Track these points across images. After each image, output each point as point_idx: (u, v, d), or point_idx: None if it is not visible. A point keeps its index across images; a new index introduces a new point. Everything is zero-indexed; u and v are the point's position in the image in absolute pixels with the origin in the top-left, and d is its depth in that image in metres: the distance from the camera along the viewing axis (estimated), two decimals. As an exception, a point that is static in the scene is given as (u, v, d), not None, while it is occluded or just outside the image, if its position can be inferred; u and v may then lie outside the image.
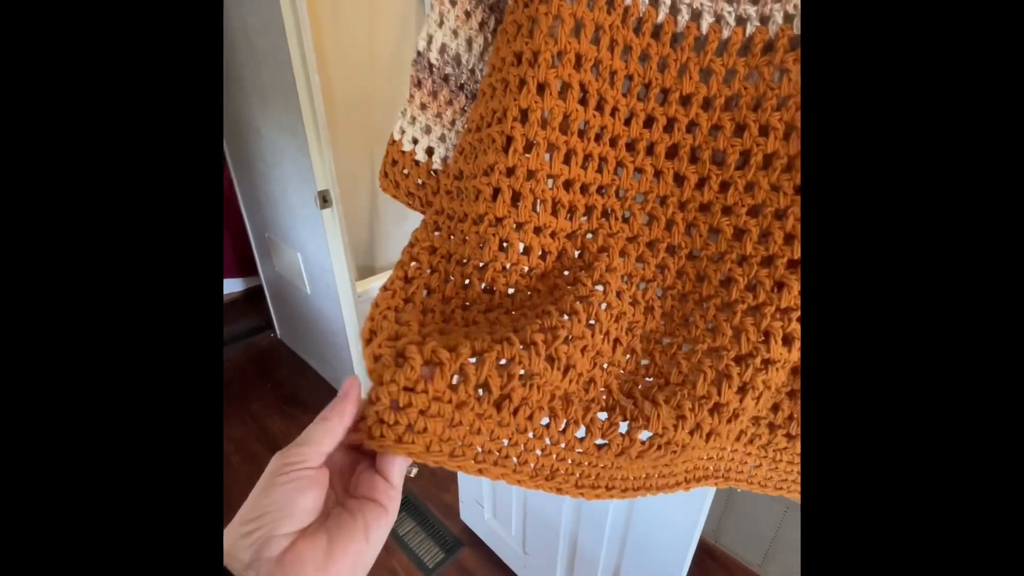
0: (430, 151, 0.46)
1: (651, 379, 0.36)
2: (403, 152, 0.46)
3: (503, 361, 0.30)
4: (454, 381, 0.29)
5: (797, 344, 0.33)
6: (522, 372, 0.30)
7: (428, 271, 0.38)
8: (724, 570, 1.36)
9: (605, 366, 0.35)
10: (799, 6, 0.31)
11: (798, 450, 0.44)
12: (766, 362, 0.33)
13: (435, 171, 0.46)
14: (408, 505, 1.52)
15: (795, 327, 0.33)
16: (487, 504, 1.29)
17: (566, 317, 0.33)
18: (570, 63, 0.32)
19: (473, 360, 0.29)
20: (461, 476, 1.33)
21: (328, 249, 1.50)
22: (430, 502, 1.54)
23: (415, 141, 0.46)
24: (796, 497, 0.47)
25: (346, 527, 0.27)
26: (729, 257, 0.35)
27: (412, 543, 1.42)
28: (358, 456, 0.31)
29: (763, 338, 0.33)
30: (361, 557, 0.27)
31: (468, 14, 0.40)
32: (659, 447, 0.33)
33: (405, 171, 0.47)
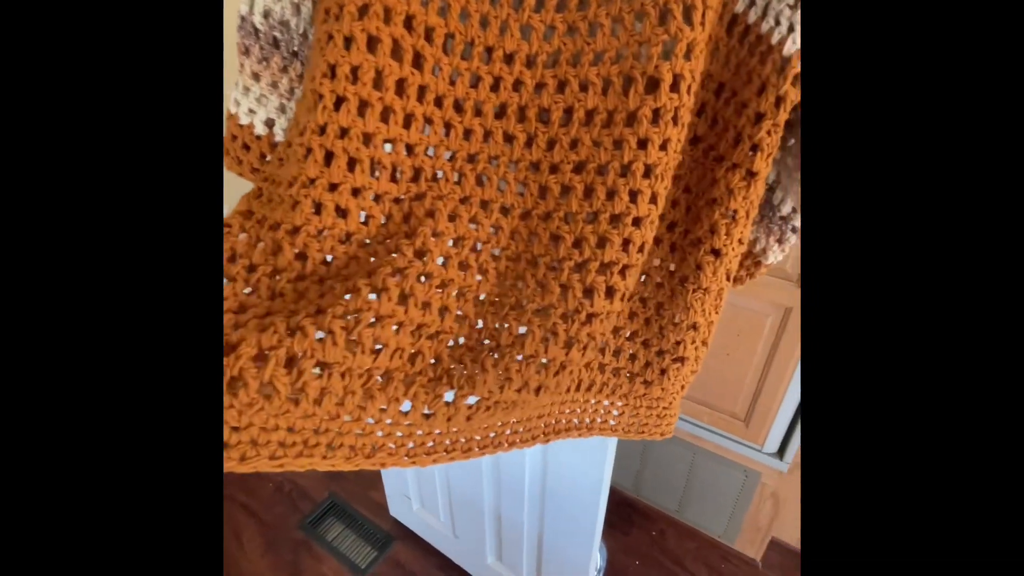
0: (270, 123, 0.43)
1: (485, 342, 0.36)
2: (240, 126, 0.43)
3: (296, 354, 0.28)
4: (231, 384, 0.27)
5: (619, 295, 0.35)
6: (316, 369, 0.29)
7: (239, 234, 0.35)
8: (647, 520, 1.45)
9: (434, 335, 0.35)
10: None
11: (655, 395, 0.47)
12: (590, 316, 0.34)
13: (276, 144, 0.43)
14: (335, 509, 1.47)
15: (616, 280, 0.34)
16: (414, 496, 1.28)
17: (374, 296, 0.31)
18: (377, 16, 0.31)
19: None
20: (386, 472, 1.30)
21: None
22: (357, 502, 1.50)
23: (252, 112, 0.43)
24: (658, 437, 0.50)
25: None
26: (557, 215, 0.36)
27: (342, 547, 1.37)
28: None
29: (587, 293, 0.35)
30: None
31: None
32: (487, 408, 0.33)
33: (247, 147, 0.44)
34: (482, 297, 0.37)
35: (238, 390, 0.27)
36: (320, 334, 0.30)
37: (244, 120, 0.43)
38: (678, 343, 0.43)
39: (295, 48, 0.40)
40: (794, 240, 0.45)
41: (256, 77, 0.41)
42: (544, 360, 0.34)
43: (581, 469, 0.82)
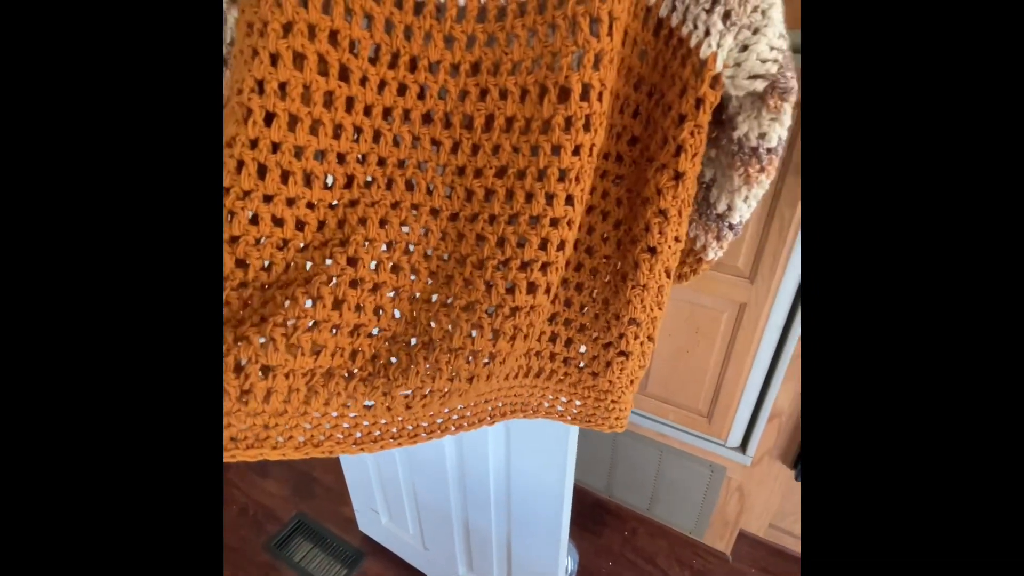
0: None
1: (414, 339, 0.38)
2: None
3: (242, 361, 0.32)
4: None
5: (541, 290, 0.37)
6: (260, 369, 0.33)
7: None
8: (618, 520, 1.46)
9: (374, 332, 0.36)
10: None
11: (603, 387, 0.47)
12: (514, 309, 0.37)
13: None
14: (302, 528, 1.43)
15: (537, 276, 0.37)
16: (382, 509, 1.26)
17: (310, 303, 0.34)
18: (302, 33, 0.32)
19: None
20: (352, 487, 1.28)
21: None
22: (326, 520, 1.47)
23: None
24: (618, 429, 0.52)
25: None
26: (482, 217, 0.37)
27: (311, 567, 1.34)
28: None
29: (509, 290, 0.37)
30: None
31: None
32: (423, 396, 0.34)
33: None
34: (417, 295, 0.39)
35: None
36: (262, 339, 0.33)
37: None
38: (620, 336, 0.44)
39: (223, 57, 0.40)
40: (731, 237, 0.46)
41: None
42: (471, 351, 0.37)
43: (543, 471, 0.82)
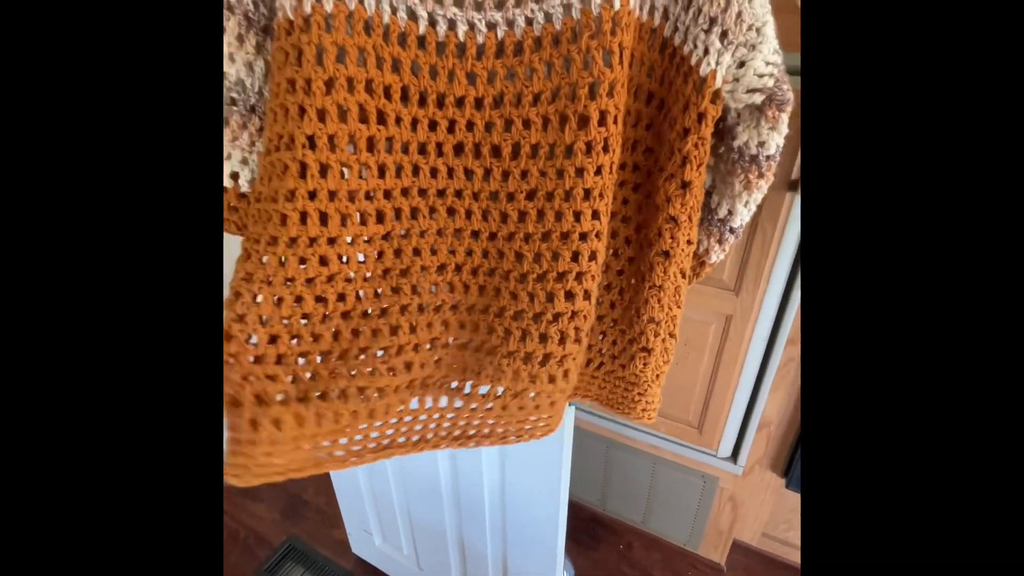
0: (235, 175, 0.45)
1: (481, 345, 0.44)
2: None
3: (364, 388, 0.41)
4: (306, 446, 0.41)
5: (579, 297, 0.41)
6: (372, 395, 0.41)
7: (252, 300, 0.39)
8: (613, 534, 1.46)
9: (449, 342, 0.44)
10: (535, 11, 0.37)
11: (629, 378, 0.52)
12: (556, 315, 0.41)
13: (243, 194, 0.46)
14: (293, 552, 1.41)
15: (572, 284, 0.41)
16: (375, 530, 1.24)
17: (390, 333, 0.42)
18: (343, 87, 0.35)
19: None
20: (345, 508, 1.26)
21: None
22: (318, 543, 1.44)
23: None
24: (646, 420, 0.56)
25: None
26: (518, 236, 0.41)
27: (303, 592, 1.31)
28: None
29: (549, 298, 0.41)
30: None
31: (241, 39, 0.40)
32: (514, 395, 0.43)
33: None
34: (474, 305, 0.44)
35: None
36: (369, 369, 0.41)
37: None
38: (641, 334, 0.48)
39: (252, 104, 0.43)
40: (732, 240, 0.49)
41: None
42: (525, 353, 0.42)
43: (538, 487, 0.83)
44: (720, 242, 0.48)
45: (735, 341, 1.04)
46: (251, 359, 0.38)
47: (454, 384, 0.45)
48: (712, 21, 0.36)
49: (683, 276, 0.45)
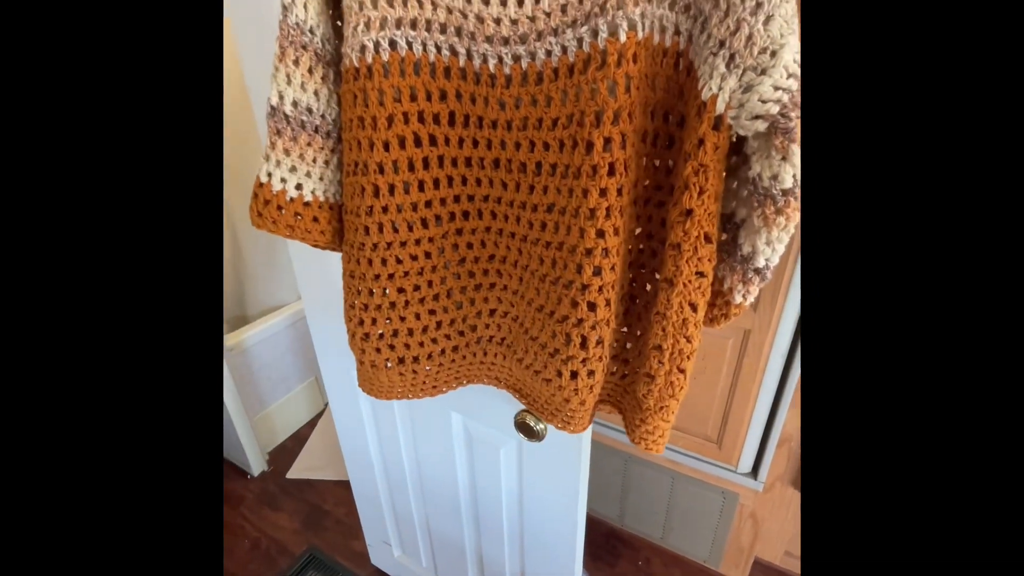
0: (300, 186, 0.52)
1: (524, 324, 0.52)
2: (275, 192, 0.51)
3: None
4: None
5: (582, 307, 0.44)
6: (443, 360, 0.57)
7: (356, 292, 0.52)
8: (632, 550, 1.44)
9: (506, 314, 0.54)
10: (553, 44, 0.40)
11: (637, 397, 0.51)
12: (563, 317, 0.45)
13: (307, 203, 0.53)
14: (314, 562, 1.43)
15: (594, 296, 0.44)
16: (394, 542, 1.26)
17: (460, 309, 0.55)
18: (400, 121, 0.43)
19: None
20: (365, 520, 1.28)
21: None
22: (338, 553, 1.46)
23: (284, 181, 0.51)
24: (650, 450, 0.54)
25: None
26: (541, 242, 0.46)
27: (323, 602, 1.33)
28: None
29: (558, 300, 0.45)
30: None
31: (311, 71, 0.48)
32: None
33: (280, 208, 0.52)
34: (517, 291, 0.51)
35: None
36: (442, 336, 0.55)
37: (277, 187, 0.51)
38: (644, 359, 0.48)
39: (316, 125, 0.50)
40: (758, 282, 0.45)
41: (287, 152, 0.51)
42: (554, 348, 0.47)
43: (556, 500, 0.83)
44: (744, 282, 0.45)
45: (753, 356, 1.04)
46: (363, 336, 0.53)
47: (506, 353, 0.56)
48: (720, 44, 0.34)
49: (693, 310, 0.43)
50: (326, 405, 2.01)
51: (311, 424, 1.94)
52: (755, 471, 1.18)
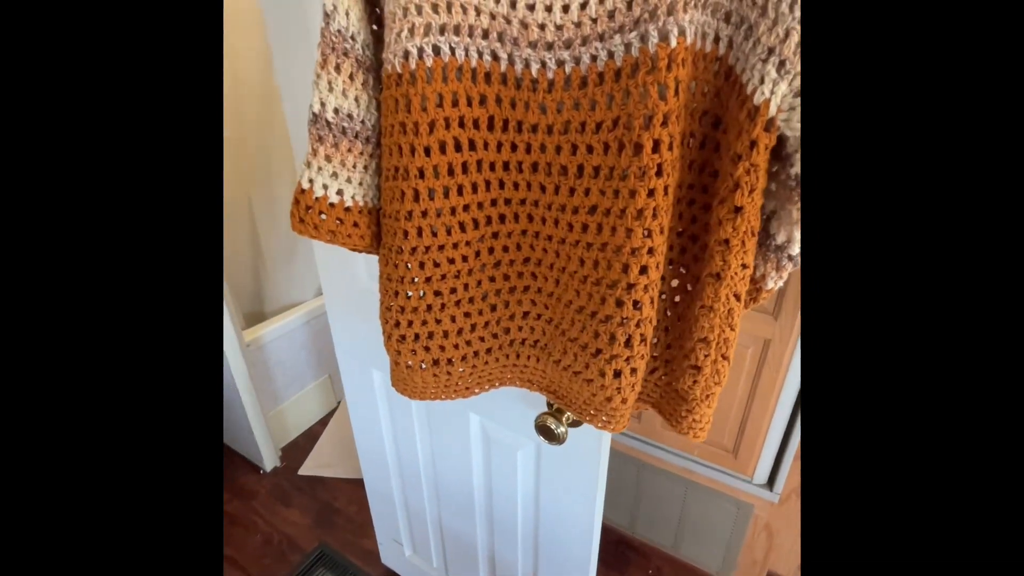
0: (340, 192, 0.53)
1: (556, 321, 0.52)
2: (316, 198, 0.52)
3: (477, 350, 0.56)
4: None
5: (628, 306, 0.45)
6: (476, 361, 0.58)
7: (393, 295, 0.52)
8: (643, 558, 1.43)
9: (538, 317, 0.55)
10: (599, 49, 0.40)
11: (681, 393, 0.53)
12: (607, 317, 0.45)
13: (348, 208, 0.53)
14: (324, 559, 1.43)
15: (621, 294, 0.45)
16: (405, 541, 1.26)
17: (494, 312, 0.55)
18: (442, 127, 0.43)
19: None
20: (377, 518, 1.29)
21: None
22: (349, 551, 1.47)
23: (325, 187, 0.52)
24: (695, 439, 0.56)
25: None
26: (581, 244, 0.46)
27: (333, 599, 1.33)
28: None
29: (602, 301, 0.46)
30: None
31: (352, 77, 0.48)
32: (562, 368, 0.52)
33: (322, 214, 0.53)
34: (552, 294, 0.52)
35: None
36: (477, 339, 0.55)
37: (319, 193, 0.52)
38: (691, 351, 0.49)
39: (357, 131, 0.51)
40: (791, 268, 0.48)
41: (329, 159, 0.51)
42: (595, 348, 0.48)
43: (572, 503, 0.83)
44: (777, 269, 0.48)
45: (773, 366, 1.03)
46: (399, 338, 0.53)
47: (539, 354, 0.56)
48: (770, 51, 0.36)
49: (737, 299, 0.45)
50: (338, 403, 2.03)
51: (323, 422, 1.96)
52: (771, 482, 1.17)
